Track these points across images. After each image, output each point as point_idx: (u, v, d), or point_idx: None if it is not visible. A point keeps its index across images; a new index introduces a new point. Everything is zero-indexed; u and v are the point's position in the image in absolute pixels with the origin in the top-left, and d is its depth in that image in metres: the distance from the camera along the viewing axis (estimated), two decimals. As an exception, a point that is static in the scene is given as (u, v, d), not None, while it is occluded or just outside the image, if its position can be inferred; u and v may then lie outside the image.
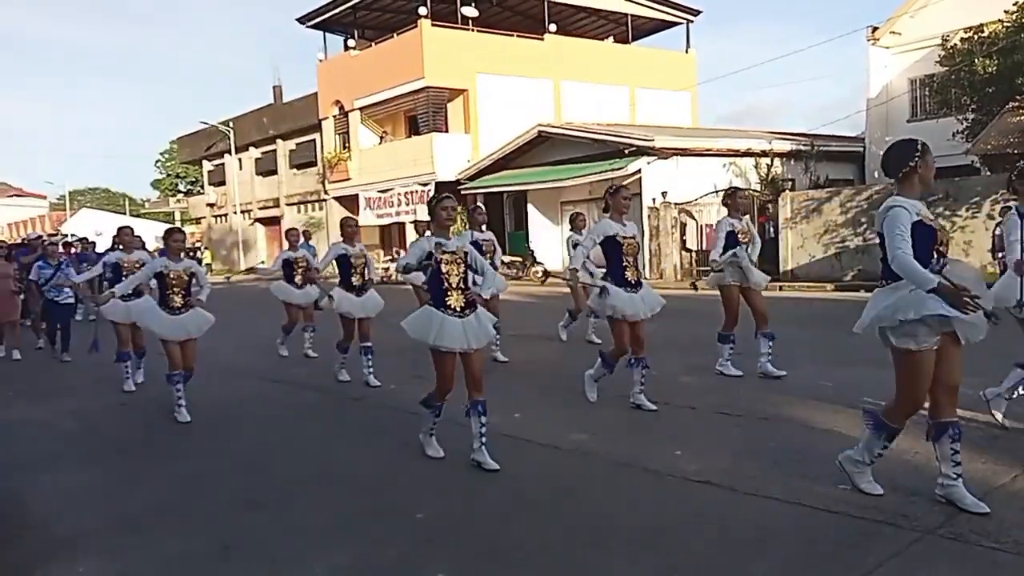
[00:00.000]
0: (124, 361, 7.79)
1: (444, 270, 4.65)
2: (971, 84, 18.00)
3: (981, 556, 3.20)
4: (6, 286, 10.39)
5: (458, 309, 4.64)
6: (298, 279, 9.34)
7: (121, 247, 8.11)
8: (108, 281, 8.03)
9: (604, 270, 5.89)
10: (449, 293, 4.65)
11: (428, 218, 5.02)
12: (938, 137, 19.55)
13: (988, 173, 16.98)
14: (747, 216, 7.56)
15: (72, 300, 10.22)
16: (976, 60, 17.29)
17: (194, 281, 6.59)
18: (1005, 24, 17.17)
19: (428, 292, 4.79)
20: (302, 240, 10.63)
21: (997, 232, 13.44)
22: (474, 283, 4.91)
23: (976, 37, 18.05)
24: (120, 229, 8.31)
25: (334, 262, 7.56)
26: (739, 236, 6.93)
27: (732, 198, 7.16)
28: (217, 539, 3.84)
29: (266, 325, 11.61)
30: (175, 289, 6.45)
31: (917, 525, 3.51)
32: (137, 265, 7.59)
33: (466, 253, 4.77)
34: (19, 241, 19.86)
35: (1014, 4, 16.82)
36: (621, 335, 5.75)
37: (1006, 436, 4.83)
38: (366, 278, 7.61)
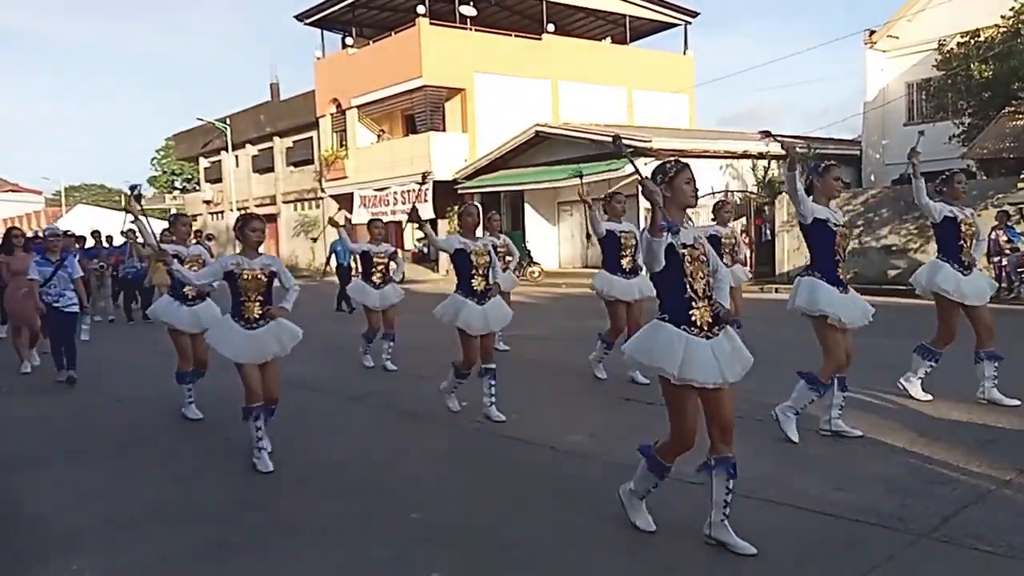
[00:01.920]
0: (187, 383, 6.35)
1: (473, 261, 5.74)
2: (967, 88, 18.07)
3: (975, 559, 3.22)
4: (24, 283, 8.24)
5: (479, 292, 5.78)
6: (376, 277, 8.21)
7: (175, 239, 6.43)
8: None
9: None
10: (475, 278, 5.80)
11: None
12: (934, 141, 19.56)
13: (984, 177, 17.03)
14: (737, 222, 8.06)
15: (77, 308, 8.05)
16: (972, 65, 17.36)
17: (275, 283, 5.06)
18: (1001, 29, 17.24)
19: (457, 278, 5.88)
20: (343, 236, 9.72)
21: (992, 236, 13.59)
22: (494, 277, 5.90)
23: (972, 42, 18.13)
24: (176, 218, 6.61)
25: (357, 257, 8.06)
26: (722, 240, 7.72)
27: (718, 210, 8.08)
28: (213, 538, 3.84)
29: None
30: (250, 295, 4.91)
31: (912, 528, 3.52)
32: (199, 262, 6.26)
33: (490, 250, 5.85)
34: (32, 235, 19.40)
35: (1010, 9, 16.88)
36: (618, 316, 6.83)
37: (1000, 440, 4.85)
38: (386, 276, 8.20)
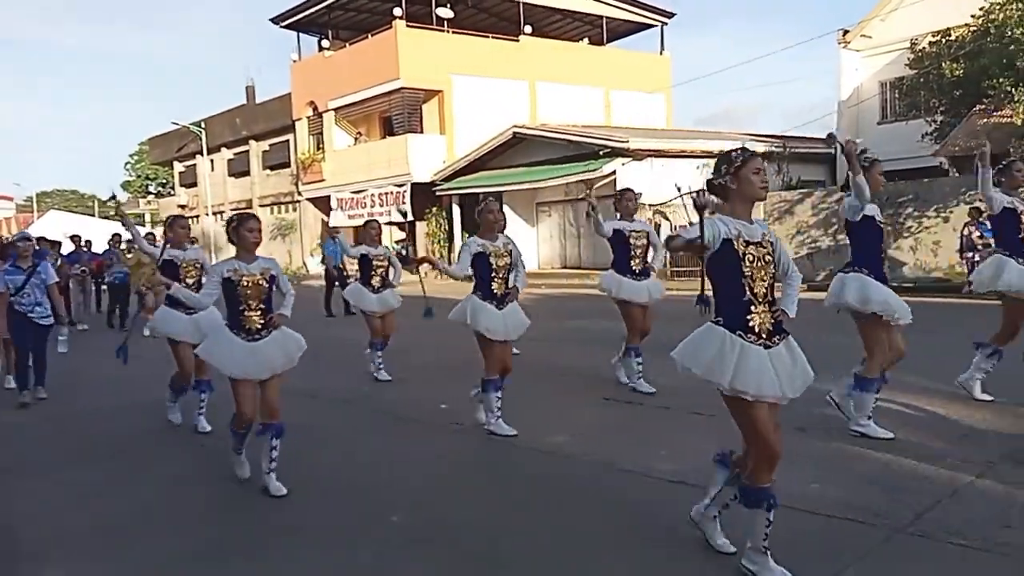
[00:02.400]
0: (183, 394, 6.09)
1: (492, 263, 5.43)
2: (939, 87, 18.32)
3: (950, 553, 3.25)
4: None
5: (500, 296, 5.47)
6: (376, 281, 7.79)
7: (171, 242, 5.96)
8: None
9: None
10: (494, 280, 5.48)
11: (401, 218, 5.35)
12: (908, 139, 19.93)
13: (956, 174, 17.28)
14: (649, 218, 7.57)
15: (51, 320, 7.25)
16: (944, 63, 17.61)
17: (274, 289, 4.62)
18: (971, 28, 17.50)
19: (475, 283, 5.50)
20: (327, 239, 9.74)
21: (965, 232, 13.79)
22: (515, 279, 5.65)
23: (944, 41, 18.38)
24: (173, 220, 6.11)
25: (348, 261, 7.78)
26: (629, 238, 6.47)
27: (619, 200, 6.65)
28: (197, 542, 3.80)
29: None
30: (250, 303, 4.43)
31: (887, 523, 3.56)
32: (196, 266, 5.99)
33: (511, 250, 5.60)
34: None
35: (980, 9, 17.14)
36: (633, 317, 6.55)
37: (972, 435, 4.91)
38: (385, 280, 7.85)
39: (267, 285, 4.46)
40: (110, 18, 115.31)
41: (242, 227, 4.48)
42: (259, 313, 4.41)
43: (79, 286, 13.91)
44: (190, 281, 5.75)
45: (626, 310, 6.54)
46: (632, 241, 6.47)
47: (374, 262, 7.75)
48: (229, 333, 4.42)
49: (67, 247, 14.25)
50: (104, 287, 14.60)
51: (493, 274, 5.40)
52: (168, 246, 5.94)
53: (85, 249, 14.62)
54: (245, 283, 4.38)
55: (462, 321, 5.40)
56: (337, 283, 14.72)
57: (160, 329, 5.99)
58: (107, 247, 14.32)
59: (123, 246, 13.72)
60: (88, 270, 14.10)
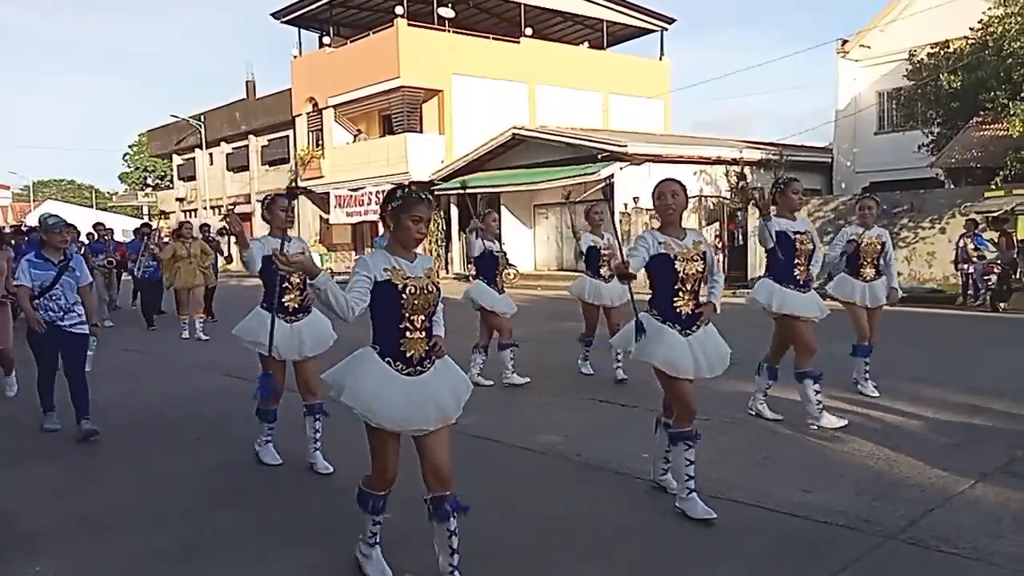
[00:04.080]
0: (271, 422, 4.98)
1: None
2: (937, 98, 18.39)
3: (940, 561, 3.27)
4: None
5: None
6: (500, 280, 7.29)
7: (271, 229, 4.93)
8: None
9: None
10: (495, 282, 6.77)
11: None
12: (904, 150, 20.01)
13: (952, 186, 17.35)
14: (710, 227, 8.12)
15: (87, 328, 5.78)
16: (942, 75, 17.67)
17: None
18: (970, 41, 17.57)
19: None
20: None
21: (960, 244, 13.85)
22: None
23: (942, 53, 18.45)
24: (272, 200, 4.71)
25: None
26: (601, 252, 7.01)
27: (587, 214, 7.20)
28: (178, 538, 3.79)
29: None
30: (415, 319, 3.59)
31: (879, 530, 3.57)
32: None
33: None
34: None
35: (979, 22, 17.21)
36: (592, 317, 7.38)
37: (966, 444, 4.93)
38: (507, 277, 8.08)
39: (436, 292, 3.21)
40: (111, 7, 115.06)
41: (275, 207, 4.53)
42: (425, 334, 3.17)
43: (104, 279, 12.96)
44: (295, 281, 4.58)
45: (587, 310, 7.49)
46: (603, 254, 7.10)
47: (602, 253, 7.06)
48: (382, 363, 3.11)
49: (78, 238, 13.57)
50: (129, 278, 13.69)
51: (601, 262, 7.03)
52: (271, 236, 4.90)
53: (109, 238, 13.61)
54: (412, 289, 3.08)
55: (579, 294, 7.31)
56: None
57: (249, 338, 4.71)
58: (134, 237, 13.69)
59: (162, 237, 13.24)
60: (114, 261, 13.28)
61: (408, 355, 3.09)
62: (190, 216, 38.81)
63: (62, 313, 5.59)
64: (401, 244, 3.14)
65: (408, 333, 3.10)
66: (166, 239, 13.78)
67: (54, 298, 5.56)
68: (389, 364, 3.08)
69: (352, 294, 2.98)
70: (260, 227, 33.57)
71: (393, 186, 3.25)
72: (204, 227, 13.27)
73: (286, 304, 4.54)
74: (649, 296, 3.98)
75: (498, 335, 7.16)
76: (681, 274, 3.88)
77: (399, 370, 3.08)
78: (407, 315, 3.07)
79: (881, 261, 6.16)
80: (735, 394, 6.48)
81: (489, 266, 7.06)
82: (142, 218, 38.64)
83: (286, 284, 4.48)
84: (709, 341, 3.96)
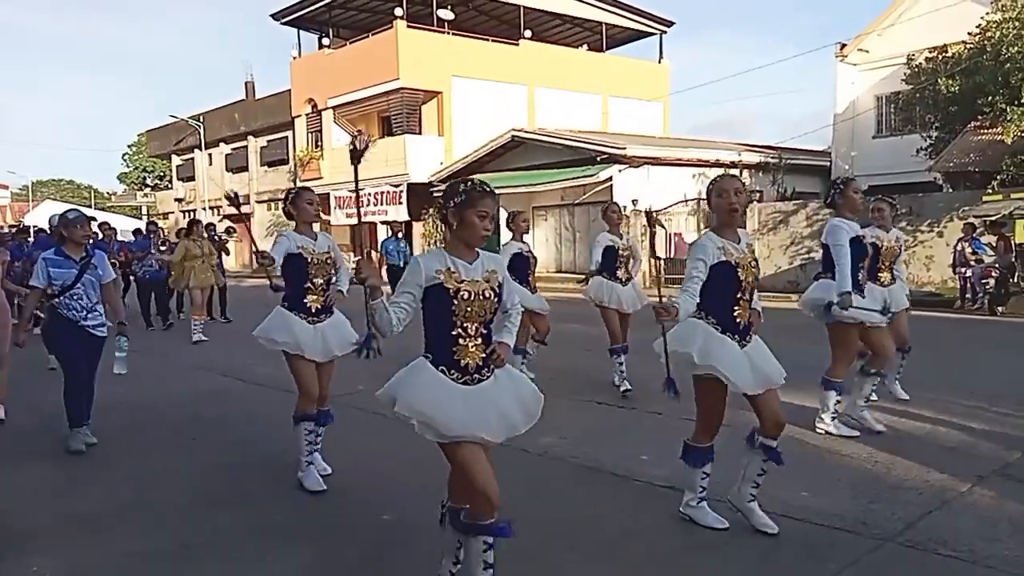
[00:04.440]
0: (309, 422, 4.53)
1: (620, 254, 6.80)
2: (935, 103, 18.43)
3: (938, 564, 3.28)
4: None
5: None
6: (622, 274, 7.00)
7: (296, 224, 4.51)
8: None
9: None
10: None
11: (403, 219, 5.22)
12: (902, 153, 20.06)
13: (950, 190, 17.38)
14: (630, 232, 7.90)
15: (106, 330, 5.49)
16: (940, 80, 17.71)
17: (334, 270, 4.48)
18: (968, 46, 17.62)
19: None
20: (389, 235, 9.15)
21: (958, 248, 13.87)
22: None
23: (940, 57, 18.50)
24: (297, 194, 4.50)
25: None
26: (619, 253, 6.86)
27: (604, 213, 7.06)
28: (177, 538, 3.78)
29: (239, 321, 11.49)
30: (316, 281, 4.33)
31: (876, 533, 3.58)
32: (328, 262, 4.53)
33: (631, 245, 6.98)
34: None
35: (977, 27, 17.26)
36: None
37: (962, 447, 4.95)
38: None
39: (495, 298, 2.94)
40: (111, 7, 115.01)
41: (301, 200, 4.36)
42: (481, 341, 2.91)
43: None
44: (319, 282, 4.39)
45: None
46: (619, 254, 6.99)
47: (620, 253, 6.89)
48: (436, 372, 2.84)
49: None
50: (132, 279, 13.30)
51: (618, 263, 6.88)
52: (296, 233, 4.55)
53: (113, 239, 13.30)
54: (466, 295, 2.82)
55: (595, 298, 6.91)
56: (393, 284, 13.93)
57: (272, 337, 4.39)
58: (139, 236, 13.42)
59: (169, 236, 12.79)
60: (118, 263, 12.57)
61: (462, 364, 2.82)
62: (188, 216, 38.84)
63: (85, 312, 5.30)
64: (464, 243, 2.85)
65: (461, 341, 2.85)
66: (175, 240, 13.54)
67: (76, 297, 5.27)
68: (443, 373, 2.81)
69: (395, 308, 2.75)
70: (259, 228, 33.61)
71: (454, 181, 2.96)
72: (210, 226, 13.07)
73: (308, 305, 4.36)
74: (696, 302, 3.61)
75: (535, 332, 7.24)
76: (743, 282, 3.61)
77: (454, 379, 2.82)
78: (459, 322, 2.80)
79: (898, 265, 6.05)
80: (731, 398, 6.49)
81: (521, 266, 7.00)
82: (141, 218, 38.60)
83: (308, 284, 4.33)
84: (761, 353, 3.68)
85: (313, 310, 4.36)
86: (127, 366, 5.49)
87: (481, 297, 2.83)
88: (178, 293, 12.99)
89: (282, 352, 4.37)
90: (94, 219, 13.90)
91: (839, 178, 5.43)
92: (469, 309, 2.81)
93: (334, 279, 4.53)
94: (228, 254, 9.97)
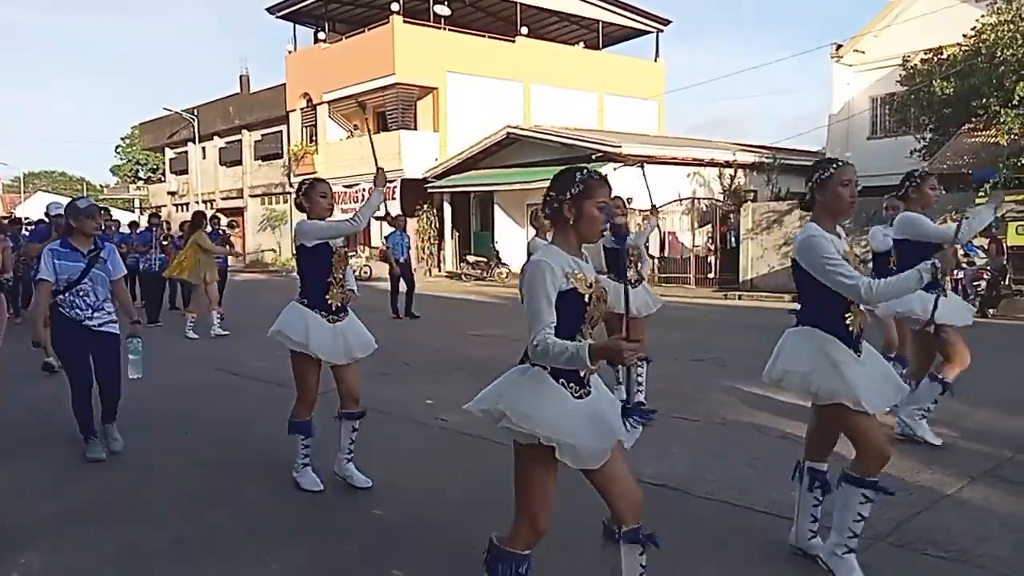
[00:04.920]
0: (306, 435, 4.40)
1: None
2: (929, 104, 18.50)
3: (928, 564, 3.29)
4: None
5: None
6: (632, 274, 6.83)
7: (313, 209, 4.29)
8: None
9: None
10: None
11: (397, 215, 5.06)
12: (896, 154, 20.11)
13: (943, 192, 17.40)
14: (703, 229, 7.63)
15: (117, 327, 5.05)
16: (935, 81, 17.78)
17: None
18: (963, 48, 17.68)
19: None
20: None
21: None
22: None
23: (935, 59, 18.57)
24: (311, 186, 4.29)
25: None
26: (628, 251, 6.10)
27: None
28: (171, 535, 3.77)
29: (234, 314, 11.45)
30: (335, 276, 4.13)
31: (867, 532, 3.58)
32: (346, 256, 4.40)
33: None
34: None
35: (972, 29, 17.32)
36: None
37: (953, 448, 4.97)
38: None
39: (346, 261, 3.22)
40: (107, 2, 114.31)
41: (314, 192, 4.12)
42: (339, 289, 3.34)
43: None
44: (338, 276, 4.18)
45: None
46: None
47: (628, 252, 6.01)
48: (557, 385, 2.48)
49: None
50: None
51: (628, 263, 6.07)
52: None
53: (114, 230, 12.80)
54: (594, 298, 2.51)
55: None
56: (402, 279, 13.11)
57: (287, 334, 4.17)
58: (134, 229, 13.17)
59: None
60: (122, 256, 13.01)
61: (582, 375, 2.50)
62: (181, 210, 38.68)
63: (90, 311, 4.82)
64: (581, 239, 2.54)
65: (332, 288, 2.96)
66: (178, 233, 13.11)
67: (81, 294, 4.79)
68: (563, 387, 2.47)
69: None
70: (252, 222, 33.50)
71: (565, 171, 2.57)
72: (215, 219, 12.30)
73: (328, 301, 4.10)
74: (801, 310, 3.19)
75: None
76: None
77: (572, 392, 2.49)
78: (585, 330, 2.49)
79: None
80: (724, 396, 6.52)
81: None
82: (132, 211, 38.46)
83: (330, 279, 4.07)
84: (875, 362, 3.19)
85: (333, 307, 4.12)
86: (142, 369, 5.07)
87: (601, 298, 2.54)
88: (180, 288, 12.77)
89: (290, 353, 4.20)
90: (106, 210, 13.70)
91: (916, 171, 5.18)
92: (595, 314, 2.51)
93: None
94: (233, 247, 9.71)
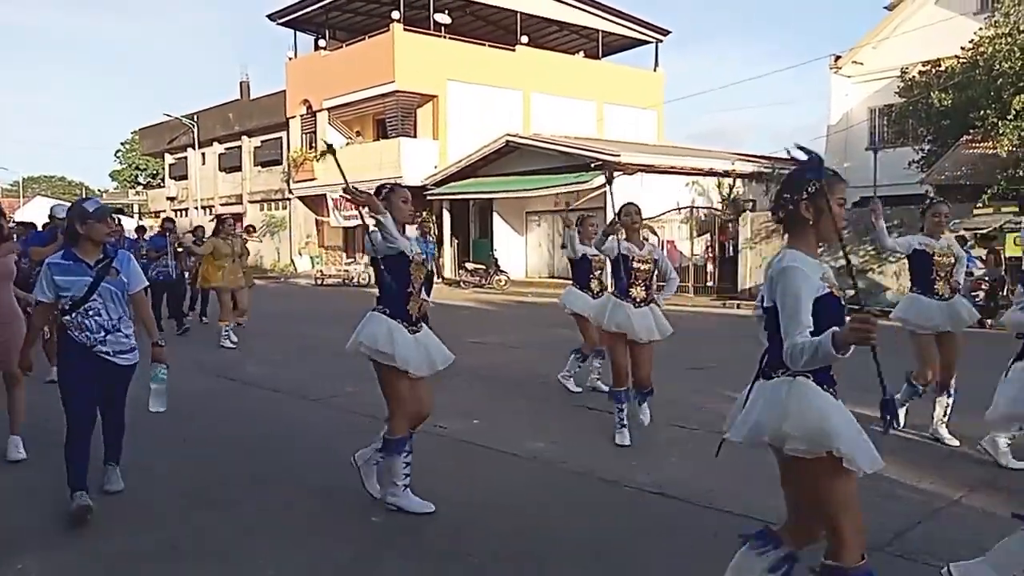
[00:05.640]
0: (405, 452, 4.07)
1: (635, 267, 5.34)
2: (927, 116, 18.56)
3: (926, 574, 3.28)
4: (6, 298, 4.98)
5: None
6: (595, 284, 6.89)
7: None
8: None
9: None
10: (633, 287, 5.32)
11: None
12: (895, 166, 20.17)
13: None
14: (702, 238, 7.58)
15: (135, 356, 4.21)
16: (933, 93, 17.84)
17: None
18: (961, 60, 17.75)
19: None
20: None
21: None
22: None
23: (933, 71, 18.64)
24: (391, 190, 4.15)
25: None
26: (633, 266, 5.49)
27: (618, 215, 5.55)
28: (166, 538, 3.75)
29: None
30: (415, 285, 3.96)
31: (866, 542, 3.58)
32: (423, 263, 4.18)
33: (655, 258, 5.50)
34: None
35: (970, 42, 17.40)
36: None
37: (953, 457, 4.96)
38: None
39: (424, 272, 3.68)
40: (109, 6, 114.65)
41: (395, 197, 3.99)
42: (418, 299, 3.74)
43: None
44: (417, 286, 4.01)
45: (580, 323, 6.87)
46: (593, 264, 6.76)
47: (637, 266, 5.49)
48: (395, 324, 3.11)
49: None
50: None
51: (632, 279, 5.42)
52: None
53: (121, 236, 11.49)
54: (416, 261, 2.86)
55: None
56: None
57: (378, 347, 3.87)
58: (141, 235, 12.55)
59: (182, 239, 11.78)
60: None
61: (410, 315, 2.65)
62: (180, 216, 38.67)
63: (103, 333, 3.97)
64: (821, 238, 2.47)
65: (412, 298, 3.36)
66: (192, 238, 12.62)
67: (91, 313, 3.95)
68: (826, 390, 2.45)
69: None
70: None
71: (796, 170, 2.47)
72: (230, 224, 11.15)
73: (409, 311, 3.95)
74: None
75: (583, 341, 6.93)
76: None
77: (407, 326, 2.61)
78: (412, 283, 2.72)
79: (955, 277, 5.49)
80: (723, 405, 6.49)
81: (584, 272, 6.85)
82: (132, 216, 38.42)
83: (410, 289, 3.92)
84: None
85: (413, 318, 3.97)
86: (166, 401, 4.30)
87: (420, 267, 2.67)
88: (194, 294, 12.50)
89: (376, 366, 3.95)
90: (120, 212, 13.20)
91: (932, 198, 5.69)
92: (416, 274, 2.71)
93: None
94: (249, 254, 9.31)
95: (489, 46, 27.58)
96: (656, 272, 5.52)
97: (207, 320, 12.34)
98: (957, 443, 5.15)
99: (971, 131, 17.10)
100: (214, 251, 10.45)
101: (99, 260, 4.01)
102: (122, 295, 4.06)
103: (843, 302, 2.37)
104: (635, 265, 5.37)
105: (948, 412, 5.29)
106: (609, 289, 5.67)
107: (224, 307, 10.30)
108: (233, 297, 10.45)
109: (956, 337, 5.36)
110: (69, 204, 4.74)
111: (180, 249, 11.68)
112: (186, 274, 11.74)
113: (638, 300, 5.35)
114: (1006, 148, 15.21)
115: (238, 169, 34.59)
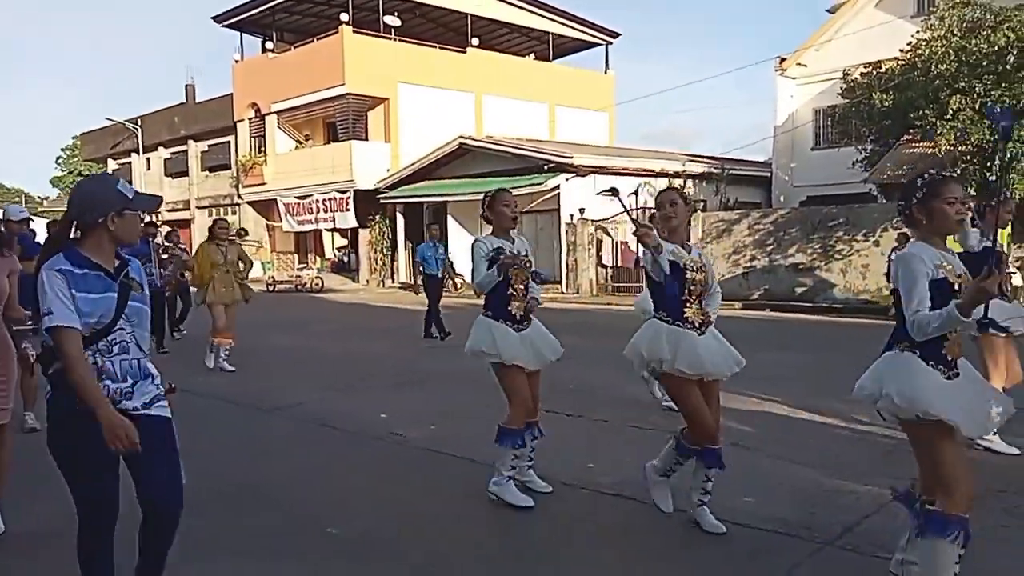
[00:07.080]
0: (519, 446, 4.17)
1: (689, 278, 3.77)
2: (869, 116, 19.04)
3: (877, 567, 3.36)
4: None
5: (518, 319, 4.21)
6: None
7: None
8: None
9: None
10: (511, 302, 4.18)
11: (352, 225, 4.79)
12: (839, 165, 20.68)
13: (884, 201, 17.98)
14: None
15: (166, 408, 2.86)
16: (874, 94, 18.31)
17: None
18: (900, 63, 18.27)
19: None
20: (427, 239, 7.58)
21: (892, 257, 14.34)
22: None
23: (874, 73, 19.13)
24: (495, 195, 4.34)
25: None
26: (686, 275, 4.27)
27: (659, 207, 5.30)
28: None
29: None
30: (518, 287, 4.14)
31: (817, 536, 3.66)
32: (527, 265, 4.29)
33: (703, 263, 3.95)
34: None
35: (908, 44, 17.91)
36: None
37: (899, 450, 5.07)
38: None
39: (527, 269, 4.20)
40: (48, 5, 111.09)
41: (498, 202, 4.20)
42: (521, 298, 4.18)
43: None
44: (520, 287, 4.16)
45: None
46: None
47: (690, 277, 3.96)
48: (498, 323, 4.08)
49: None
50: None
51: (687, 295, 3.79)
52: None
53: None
54: (963, 286, 2.77)
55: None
56: (430, 296, 11.99)
57: (484, 350, 4.12)
58: (162, 241, 11.55)
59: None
60: None
61: (950, 359, 2.80)
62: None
63: (130, 382, 2.64)
64: (938, 234, 2.85)
65: (515, 299, 3.97)
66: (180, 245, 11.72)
67: (116, 350, 2.61)
68: (932, 367, 2.78)
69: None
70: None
71: (913, 179, 2.91)
72: (223, 225, 9.50)
73: (512, 312, 4.15)
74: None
75: None
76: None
77: (942, 374, 2.78)
78: (514, 285, 3.60)
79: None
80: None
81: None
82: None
83: (511, 291, 4.11)
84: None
85: (517, 317, 4.15)
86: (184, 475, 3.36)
87: (523, 269, 3.74)
88: (181, 310, 11.57)
89: (492, 365, 4.18)
90: (54, 222, 12.30)
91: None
92: (518, 275, 3.78)
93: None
94: (251, 265, 8.34)
95: (440, 48, 27.51)
96: (707, 281, 3.92)
97: (179, 335, 11.64)
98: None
99: (911, 131, 17.60)
100: (204, 259, 8.92)
101: (118, 267, 2.67)
102: (147, 318, 2.76)
103: (957, 288, 2.71)
104: (688, 276, 3.82)
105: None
106: (650, 311, 3.96)
107: (215, 324, 8.84)
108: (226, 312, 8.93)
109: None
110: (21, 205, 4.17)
111: (165, 256, 10.50)
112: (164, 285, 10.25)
113: (698, 324, 3.78)
114: (943, 147, 15.69)
115: (185, 174, 33.88)
